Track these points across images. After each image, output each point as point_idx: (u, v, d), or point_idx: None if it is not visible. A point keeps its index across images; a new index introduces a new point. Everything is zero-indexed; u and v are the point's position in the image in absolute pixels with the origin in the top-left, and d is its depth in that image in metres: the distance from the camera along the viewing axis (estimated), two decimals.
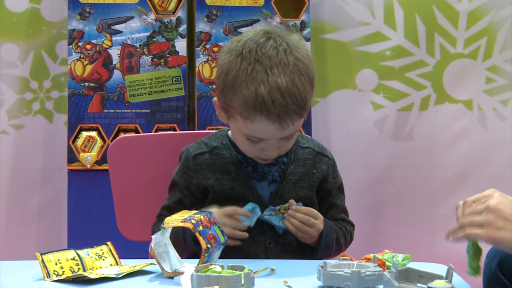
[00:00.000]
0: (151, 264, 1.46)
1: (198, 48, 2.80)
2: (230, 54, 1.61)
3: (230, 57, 1.60)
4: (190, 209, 1.69)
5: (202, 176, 1.69)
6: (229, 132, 1.74)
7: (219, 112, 1.67)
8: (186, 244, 1.64)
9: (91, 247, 1.49)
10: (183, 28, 2.79)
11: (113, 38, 2.76)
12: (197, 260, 1.42)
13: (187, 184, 1.71)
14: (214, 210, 1.63)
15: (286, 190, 1.69)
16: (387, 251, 1.44)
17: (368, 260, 1.40)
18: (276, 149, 1.63)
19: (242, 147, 1.66)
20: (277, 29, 1.64)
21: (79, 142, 2.75)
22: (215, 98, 1.67)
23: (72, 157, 2.75)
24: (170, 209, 1.71)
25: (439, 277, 1.29)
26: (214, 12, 2.79)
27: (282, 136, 1.61)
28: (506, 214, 1.31)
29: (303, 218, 1.63)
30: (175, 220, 1.42)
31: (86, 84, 2.76)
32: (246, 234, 1.63)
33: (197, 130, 2.76)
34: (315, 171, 1.72)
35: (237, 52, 1.59)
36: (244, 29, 2.77)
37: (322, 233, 1.66)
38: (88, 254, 1.46)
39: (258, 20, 2.80)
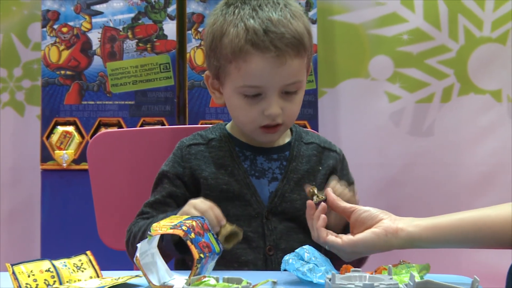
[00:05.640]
0: (137, 276, 1.47)
1: (190, 32, 2.80)
2: (215, 9, 1.71)
3: (215, 11, 1.70)
4: (183, 204, 1.69)
5: (197, 166, 1.70)
6: (228, 126, 1.76)
7: (212, 86, 1.72)
8: (164, 247, 1.62)
9: (68, 257, 1.49)
10: (172, 8, 2.79)
11: (93, 20, 2.77)
12: (188, 272, 1.42)
13: (179, 173, 1.71)
14: (193, 201, 1.61)
15: (287, 190, 1.70)
16: (402, 261, 1.45)
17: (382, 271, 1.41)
18: (279, 107, 1.64)
19: (242, 117, 1.68)
20: None
21: (54, 138, 2.75)
22: (206, 72, 1.73)
23: (46, 155, 2.76)
24: (158, 205, 1.71)
25: None
26: None
27: (281, 81, 1.63)
28: None
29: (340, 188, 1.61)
30: (164, 226, 1.42)
31: (62, 72, 2.76)
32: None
33: (188, 124, 2.77)
34: (320, 167, 1.73)
35: (222, 4, 1.70)
36: None
37: None
38: (65, 265, 1.46)
39: None
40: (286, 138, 1.76)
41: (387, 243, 1.48)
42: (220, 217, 1.56)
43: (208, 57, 1.70)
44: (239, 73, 1.63)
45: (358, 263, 1.65)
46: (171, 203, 1.71)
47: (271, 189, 1.71)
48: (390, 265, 1.41)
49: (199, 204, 1.57)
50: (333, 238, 1.51)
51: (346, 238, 1.50)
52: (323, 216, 1.53)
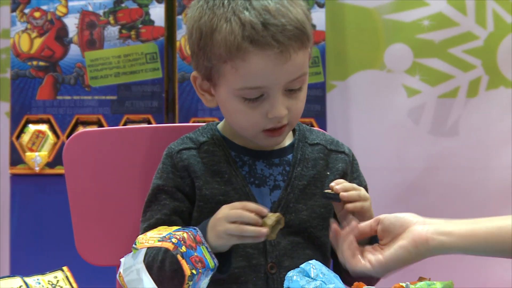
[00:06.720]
0: None
1: (180, 17, 2.80)
2: (198, 1, 1.68)
3: (198, 2, 1.68)
4: (189, 221, 1.69)
5: (193, 173, 1.69)
6: (220, 126, 1.76)
7: (202, 88, 1.70)
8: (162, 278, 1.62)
9: (43, 273, 1.50)
10: None
11: (69, 4, 2.78)
12: None
13: (178, 185, 1.70)
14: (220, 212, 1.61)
15: (291, 199, 1.70)
16: (423, 278, 1.46)
17: None
18: (284, 108, 1.64)
19: (243, 122, 1.67)
20: None
21: (25, 138, 2.76)
22: (193, 73, 1.71)
23: (16, 158, 2.76)
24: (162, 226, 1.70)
25: None
26: None
27: (285, 78, 1.62)
28: None
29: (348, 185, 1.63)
30: (151, 238, 1.43)
31: (34, 63, 2.77)
32: (263, 230, 1.59)
33: (178, 123, 2.77)
34: (328, 172, 1.73)
35: None
36: None
37: None
38: (39, 283, 1.47)
39: None
40: (288, 140, 1.75)
41: (419, 254, 1.51)
42: (259, 209, 1.55)
43: (196, 57, 1.68)
44: (237, 74, 1.62)
45: (371, 280, 1.66)
46: (177, 221, 1.68)
47: (273, 198, 1.70)
48: (408, 283, 1.42)
49: (228, 211, 1.57)
50: (361, 265, 1.53)
51: (376, 261, 1.51)
52: (352, 241, 1.54)
